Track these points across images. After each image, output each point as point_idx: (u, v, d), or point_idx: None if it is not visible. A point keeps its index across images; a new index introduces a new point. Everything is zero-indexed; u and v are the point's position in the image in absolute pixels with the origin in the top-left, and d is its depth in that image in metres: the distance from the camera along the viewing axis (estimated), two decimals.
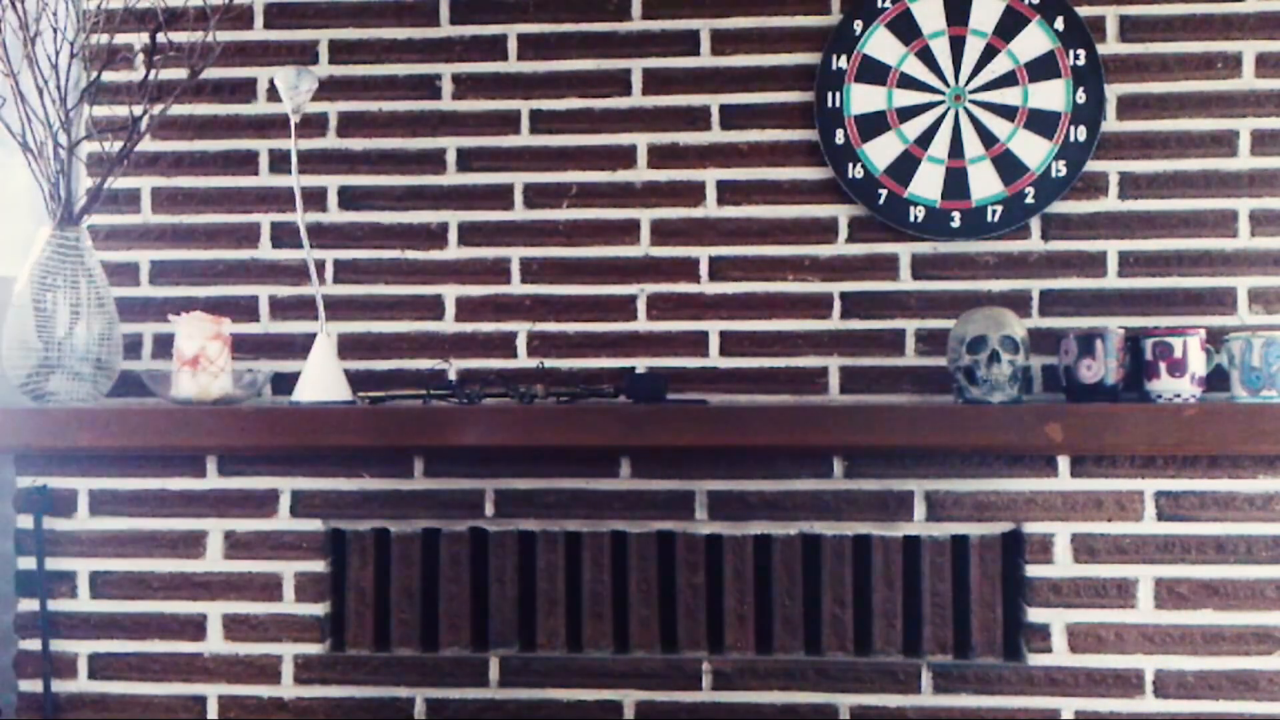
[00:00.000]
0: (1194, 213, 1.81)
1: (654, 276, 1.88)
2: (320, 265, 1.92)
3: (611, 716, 1.72)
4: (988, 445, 1.59)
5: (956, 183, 1.84)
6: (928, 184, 1.84)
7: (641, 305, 1.88)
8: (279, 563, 1.77)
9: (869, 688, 1.70)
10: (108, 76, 1.84)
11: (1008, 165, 1.83)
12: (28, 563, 1.78)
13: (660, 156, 1.89)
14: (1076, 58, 1.82)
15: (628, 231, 1.89)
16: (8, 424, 1.62)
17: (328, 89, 1.91)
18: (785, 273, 1.87)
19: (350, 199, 1.93)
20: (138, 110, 1.75)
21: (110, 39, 1.77)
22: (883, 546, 1.72)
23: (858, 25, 1.86)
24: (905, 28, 1.85)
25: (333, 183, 1.93)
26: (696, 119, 1.89)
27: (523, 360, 1.89)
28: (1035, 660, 1.68)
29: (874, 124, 1.85)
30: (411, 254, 1.92)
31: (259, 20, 1.95)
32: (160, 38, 1.74)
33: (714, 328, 1.87)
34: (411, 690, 1.75)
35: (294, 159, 1.75)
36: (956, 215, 1.83)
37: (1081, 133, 1.81)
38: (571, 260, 1.90)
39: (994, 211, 1.82)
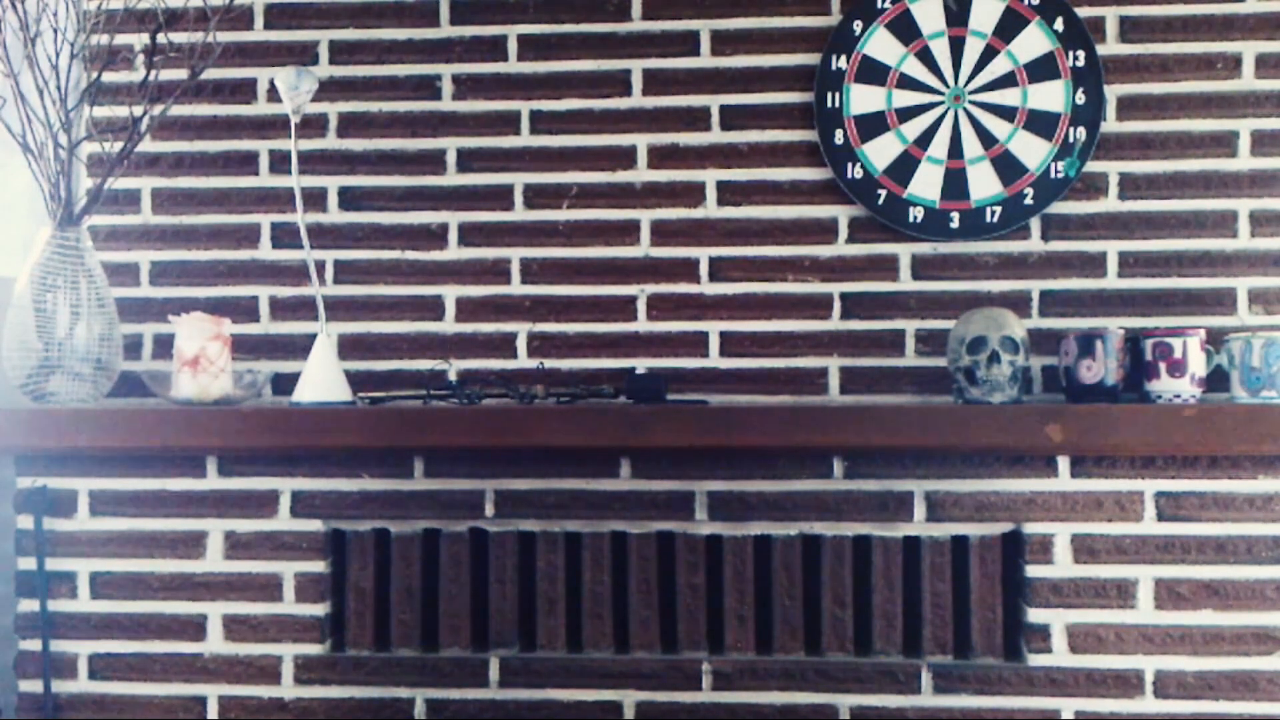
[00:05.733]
0: (1194, 213, 1.81)
1: (654, 277, 1.88)
2: (320, 266, 1.92)
3: (611, 717, 1.72)
4: (988, 445, 1.59)
5: (956, 183, 1.84)
6: (927, 184, 1.84)
7: (641, 306, 1.88)
8: (279, 563, 1.77)
9: (869, 688, 1.70)
10: (108, 77, 1.84)
11: (1007, 166, 1.83)
12: (28, 563, 1.78)
13: (660, 157, 1.89)
14: (1076, 59, 1.82)
15: (628, 232, 1.89)
16: (8, 424, 1.63)
17: (328, 90, 1.91)
18: (785, 273, 1.87)
19: (350, 200, 1.93)
20: (138, 111, 1.75)
21: (110, 40, 1.77)
22: (883, 547, 1.72)
23: (857, 26, 1.86)
24: (905, 28, 1.85)
25: (333, 183, 1.93)
26: (696, 119, 1.89)
27: (523, 361, 1.89)
28: (1035, 660, 1.68)
29: (873, 124, 1.85)
30: (412, 254, 1.92)
31: (259, 21, 1.96)
32: (160, 38, 1.74)
33: (714, 328, 1.87)
34: (411, 691, 1.75)
35: (294, 160, 1.75)
36: (955, 216, 1.83)
37: (1081, 133, 1.81)
38: (571, 261, 1.90)
39: (993, 212, 1.82)
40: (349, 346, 1.91)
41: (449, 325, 1.91)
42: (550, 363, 1.88)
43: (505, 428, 1.60)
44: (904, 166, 1.84)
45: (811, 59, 1.88)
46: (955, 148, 1.84)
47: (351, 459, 1.77)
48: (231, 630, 1.77)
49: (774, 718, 1.71)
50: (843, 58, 1.86)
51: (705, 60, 1.89)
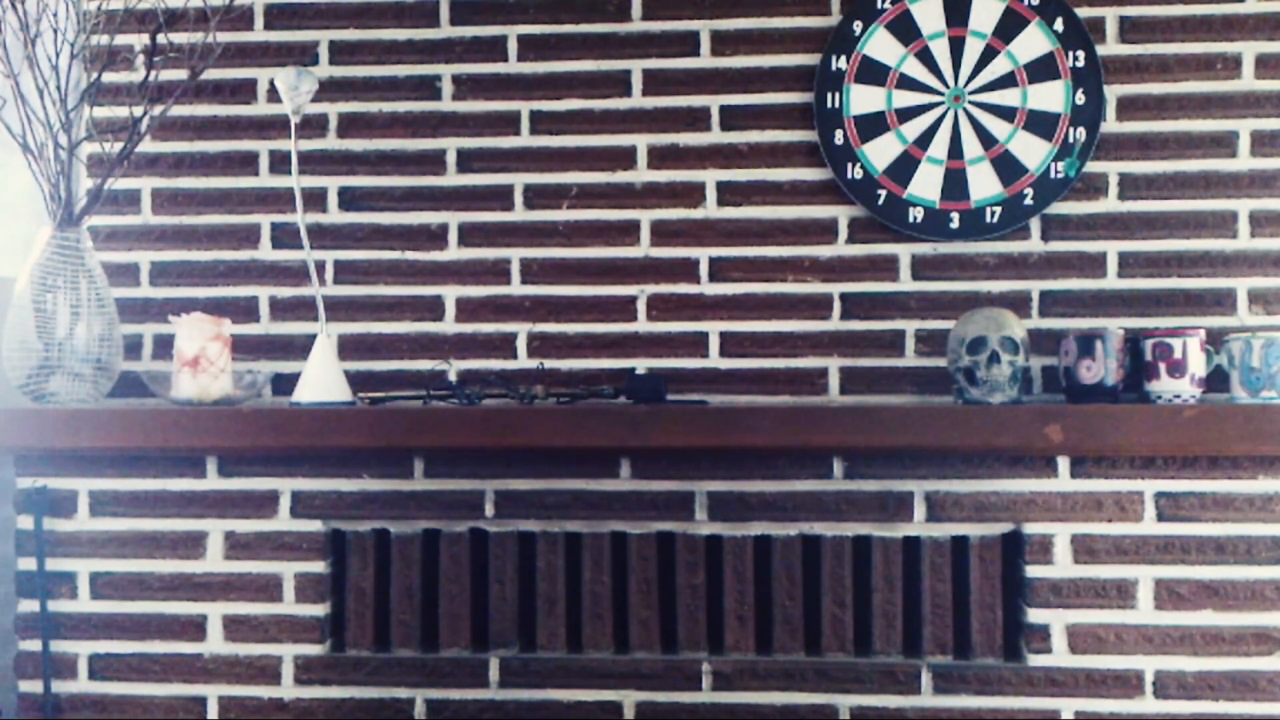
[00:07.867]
0: (1194, 213, 1.81)
1: (654, 277, 1.89)
2: (320, 266, 1.92)
3: (611, 717, 1.72)
4: (988, 446, 1.59)
5: (955, 183, 1.84)
6: (927, 185, 1.84)
7: (641, 306, 1.88)
8: (279, 563, 1.77)
9: (869, 688, 1.70)
10: (108, 78, 1.84)
11: (1007, 166, 1.83)
12: (28, 563, 1.78)
13: (660, 157, 1.89)
14: (1076, 59, 1.82)
15: (628, 232, 1.89)
16: (8, 424, 1.63)
17: (328, 90, 1.91)
18: (785, 274, 1.87)
19: (350, 200, 1.93)
20: (138, 111, 1.75)
21: (110, 40, 1.77)
22: (883, 547, 1.72)
23: (857, 26, 1.86)
24: (905, 29, 1.85)
25: (333, 184, 1.93)
26: (696, 120, 1.89)
27: (523, 361, 1.89)
28: (1035, 661, 1.68)
29: (873, 125, 1.86)
30: (412, 255, 1.92)
31: (259, 21, 1.96)
32: (160, 39, 1.74)
33: (714, 329, 1.87)
34: (411, 691, 1.75)
35: (294, 160, 1.75)
36: (955, 216, 1.83)
37: (1081, 134, 1.81)
38: (571, 261, 1.90)
39: (993, 212, 1.82)
40: (349, 346, 1.91)
41: (449, 325, 1.91)
42: (550, 363, 1.88)
43: (505, 428, 1.60)
44: (904, 167, 1.84)
45: (811, 59, 1.88)
46: (955, 148, 1.84)
47: (351, 459, 1.77)
48: (231, 630, 1.77)
49: (774, 718, 1.71)
50: (843, 58, 1.86)
51: (705, 60, 1.89)
